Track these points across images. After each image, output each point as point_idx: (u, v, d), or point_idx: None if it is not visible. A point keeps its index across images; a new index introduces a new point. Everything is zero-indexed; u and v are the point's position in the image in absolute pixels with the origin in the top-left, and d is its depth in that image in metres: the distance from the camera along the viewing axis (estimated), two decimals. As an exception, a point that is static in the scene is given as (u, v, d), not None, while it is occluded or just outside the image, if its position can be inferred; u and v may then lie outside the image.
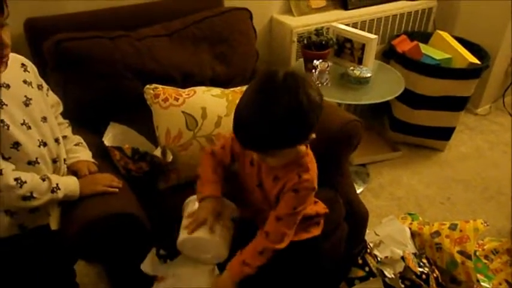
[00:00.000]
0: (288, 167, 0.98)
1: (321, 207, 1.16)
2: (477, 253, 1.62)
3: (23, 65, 1.01)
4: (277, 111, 0.83)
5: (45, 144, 0.99)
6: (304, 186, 0.97)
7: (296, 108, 0.84)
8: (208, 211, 1.01)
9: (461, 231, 1.52)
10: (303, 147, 1.00)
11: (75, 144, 1.15)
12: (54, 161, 1.03)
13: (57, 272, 1.13)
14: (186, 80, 1.44)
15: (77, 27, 1.32)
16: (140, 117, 1.33)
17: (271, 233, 0.99)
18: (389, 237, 1.54)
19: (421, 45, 2.11)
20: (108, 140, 1.27)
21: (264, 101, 0.85)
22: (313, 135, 0.92)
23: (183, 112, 1.29)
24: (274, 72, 0.87)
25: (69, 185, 1.00)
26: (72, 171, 1.08)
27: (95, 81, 1.31)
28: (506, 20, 2.20)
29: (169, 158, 1.26)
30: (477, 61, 2.04)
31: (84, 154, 1.14)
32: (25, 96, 0.96)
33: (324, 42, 1.77)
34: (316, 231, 1.14)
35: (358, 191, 1.96)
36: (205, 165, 1.09)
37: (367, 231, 1.55)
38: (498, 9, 2.21)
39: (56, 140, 1.05)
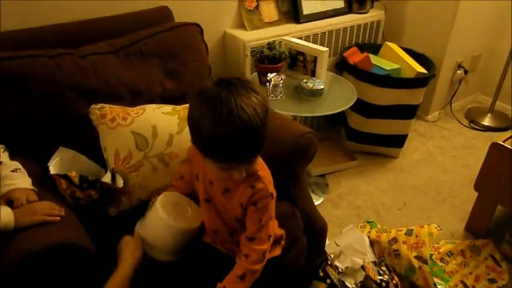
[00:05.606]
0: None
1: (276, 227, 1.14)
2: (433, 257, 1.67)
3: None
4: (252, 113, 0.80)
5: None
6: (261, 195, 0.96)
7: (265, 107, 0.85)
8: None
9: (416, 236, 1.55)
10: None
11: (12, 171, 1.06)
12: None
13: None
14: (135, 97, 1.39)
15: (12, 46, 1.23)
16: (88, 140, 1.26)
17: (250, 254, 0.97)
18: (350, 247, 1.55)
19: (372, 56, 2.19)
20: (53, 166, 1.19)
21: (235, 107, 0.79)
22: None
23: (132, 132, 1.23)
24: (214, 82, 0.85)
25: (2, 217, 0.91)
26: (8, 200, 1.00)
27: (34, 103, 1.23)
28: (448, 32, 2.33)
29: (120, 183, 1.20)
30: (424, 70, 2.13)
31: (22, 181, 1.05)
32: None
33: (276, 56, 1.78)
34: (277, 251, 1.13)
35: (318, 202, 1.97)
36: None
37: (328, 241, 1.55)
38: (441, 22, 2.34)
39: None
